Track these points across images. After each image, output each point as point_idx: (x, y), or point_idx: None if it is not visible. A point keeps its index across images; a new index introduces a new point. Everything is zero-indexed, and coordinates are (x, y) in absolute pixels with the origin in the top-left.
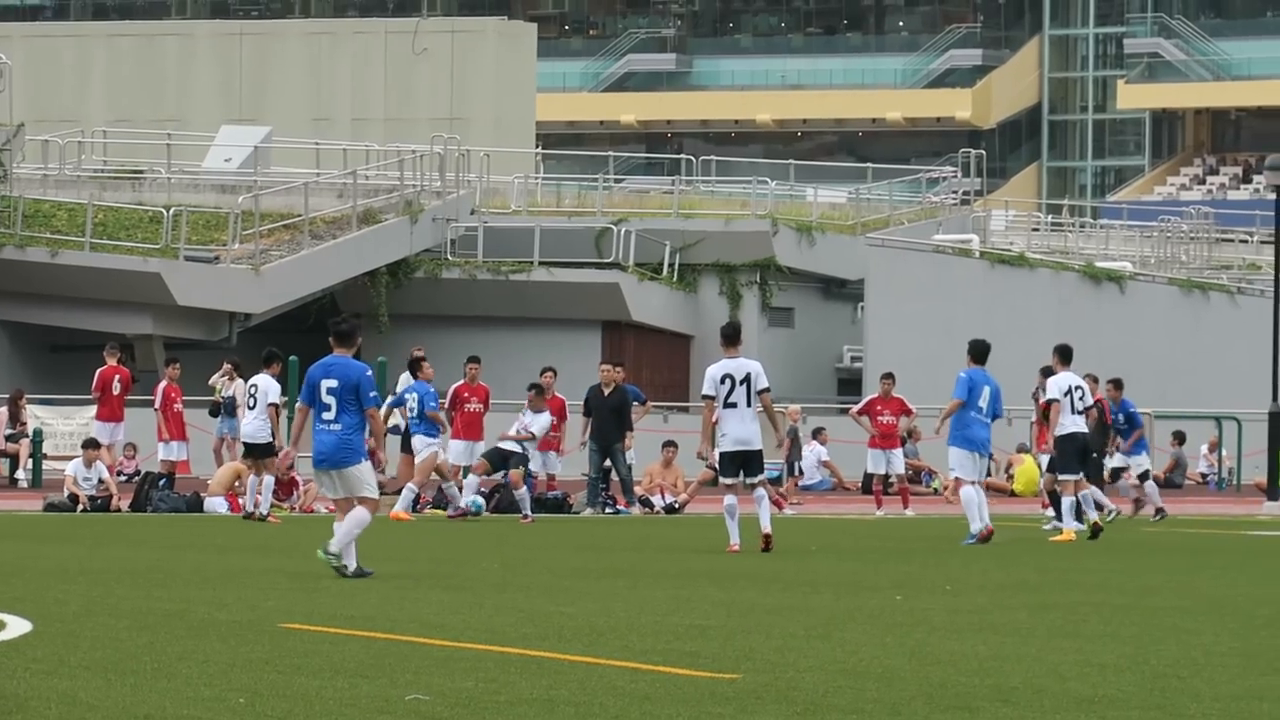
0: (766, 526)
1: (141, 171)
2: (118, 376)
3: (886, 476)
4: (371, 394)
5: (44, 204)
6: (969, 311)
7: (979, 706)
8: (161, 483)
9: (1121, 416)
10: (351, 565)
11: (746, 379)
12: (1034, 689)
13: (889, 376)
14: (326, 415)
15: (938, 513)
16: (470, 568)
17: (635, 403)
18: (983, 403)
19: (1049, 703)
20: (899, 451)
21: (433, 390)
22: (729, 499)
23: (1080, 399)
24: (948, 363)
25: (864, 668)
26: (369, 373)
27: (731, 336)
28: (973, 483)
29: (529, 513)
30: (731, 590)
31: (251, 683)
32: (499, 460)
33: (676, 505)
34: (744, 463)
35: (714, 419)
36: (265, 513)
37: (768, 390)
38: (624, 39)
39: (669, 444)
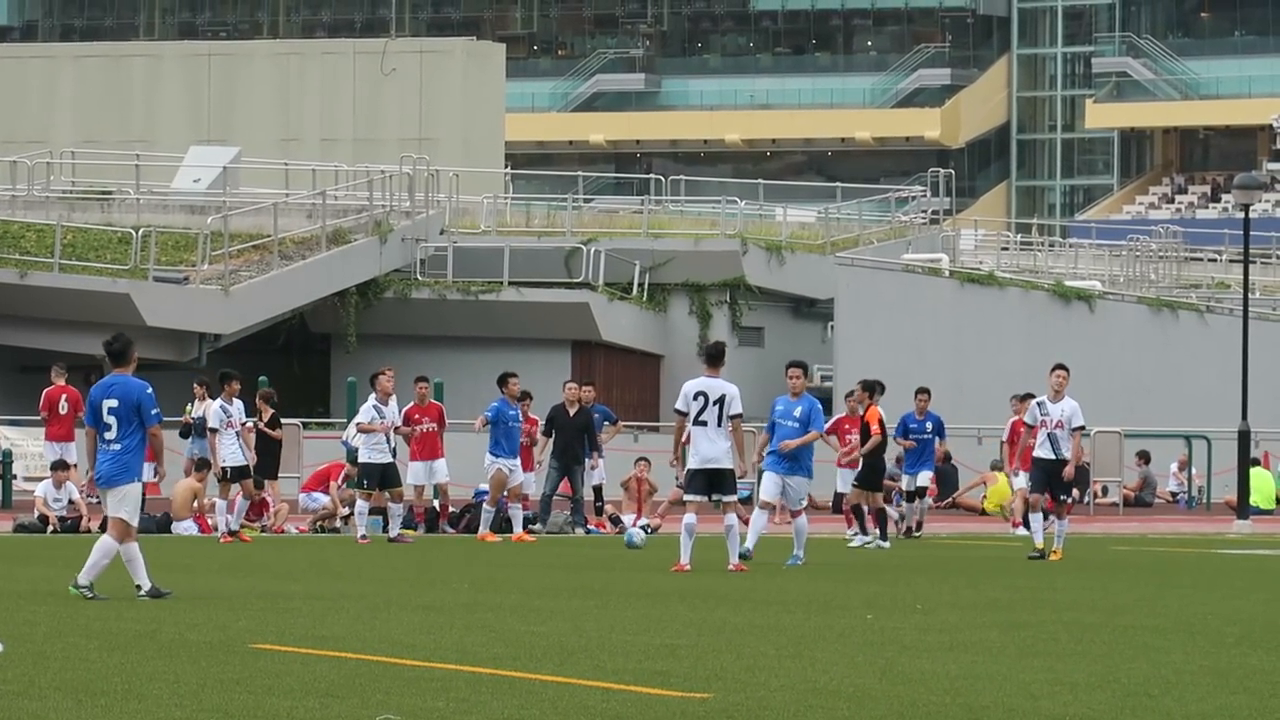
0: (734, 557)
1: (110, 192)
2: (64, 395)
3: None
4: (153, 411)
5: (12, 225)
6: (938, 330)
7: None
8: None
9: (929, 425)
10: (145, 585)
11: (720, 400)
12: (1005, 708)
13: (853, 394)
14: (108, 435)
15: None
16: (441, 588)
17: (607, 423)
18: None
19: None
20: None
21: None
22: (689, 517)
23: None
24: (918, 381)
25: (835, 687)
26: (149, 390)
27: (714, 357)
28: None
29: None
30: (702, 609)
31: (223, 703)
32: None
33: (649, 527)
34: (712, 482)
35: (684, 436)
36: (235, 529)
37: (739, 416)
38: (593, 59)
39: (642, 459)
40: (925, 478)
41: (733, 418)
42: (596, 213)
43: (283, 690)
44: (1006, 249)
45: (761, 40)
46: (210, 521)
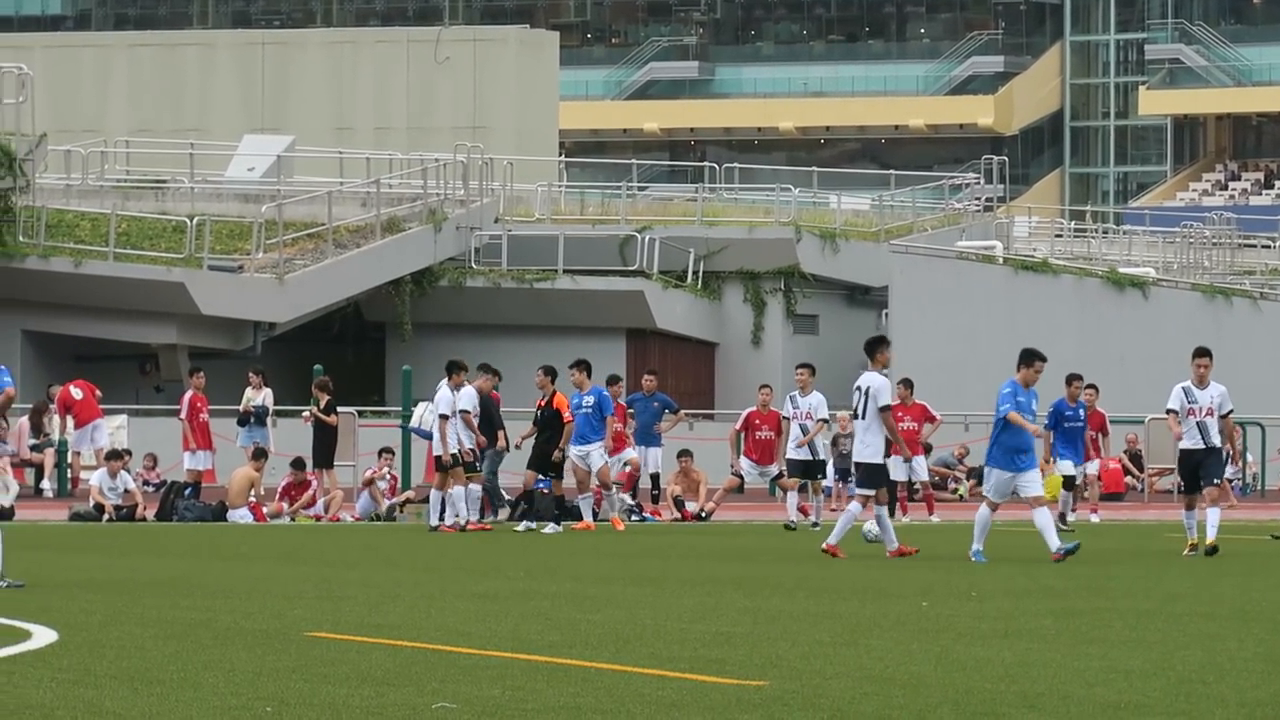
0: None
1: (164, 181)
2: (72, 387)
3: (910, 483)
4: (4, 379)
5: (67, 214)
6: (992, 318)
7: (1005, 713)
8: (187, 492)
9: (1082, 413)
10: None
11: (866, 392)
12: (1060, 695)
13: (905, 383)
14: None
15: (963, 519)
16: (496, 576)
17: (668, 411)
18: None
19: (1075, 709)
20: (921, 458)
21: (607, 395)
22: (854, 505)
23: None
24: (971, 369)
25: (890, 674)
26: (3, 367)
27: (867, 349)
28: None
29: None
30: (758, 597)
31: (278, 691)
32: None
33: (703, 514)
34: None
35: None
36: (464, 523)
37: (885, 408)
38: (646, 47)
39: (684, 453)
40: (1067, 466)
41: (880, 409)
42: (650, 201)
43: (338, 678)
44: (1060, 236)
45: (815, 28)
46: (266, 510)
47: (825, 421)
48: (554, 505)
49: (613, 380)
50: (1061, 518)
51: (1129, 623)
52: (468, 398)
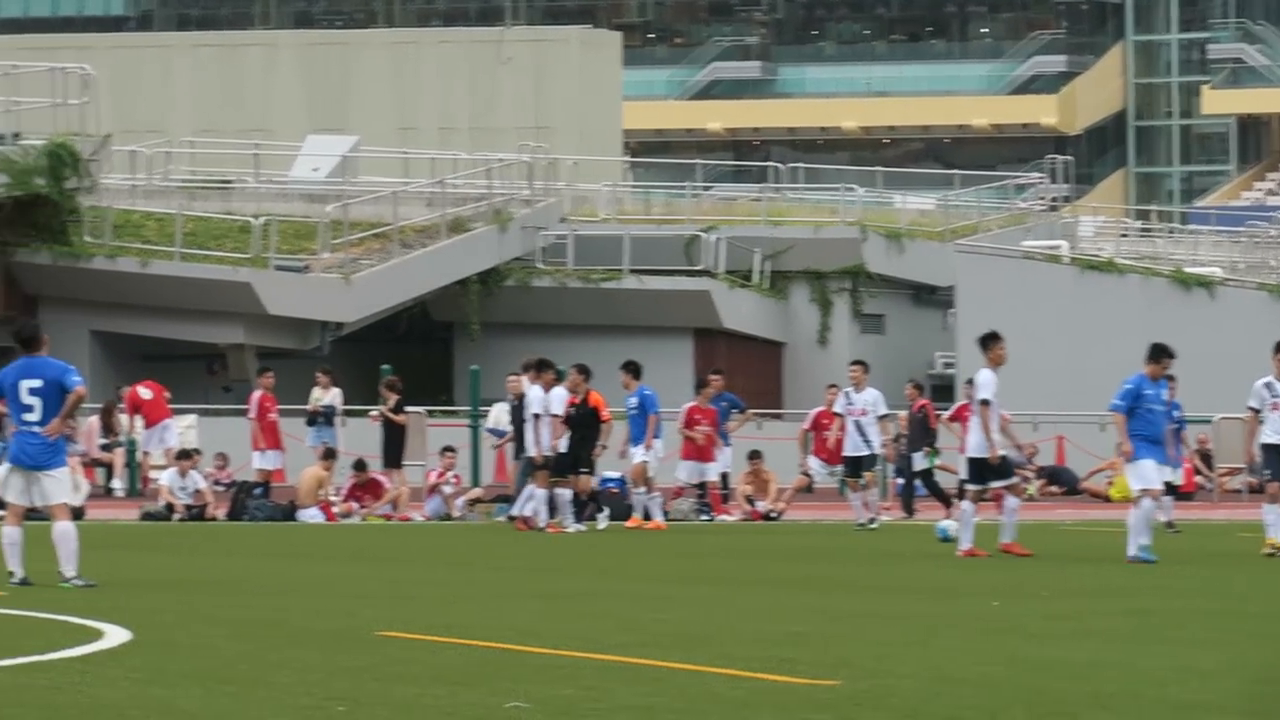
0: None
1: (230, 181)
2: (140, 387)
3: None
4: (74, 379)
5: (133, 214)
6: (1058, 317)
7: (1076, 713)
8: (257, 491)
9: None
10: (19, 573)
11: (975, 387)
12: (1131, 695)
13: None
14: (29, 417)
15: (1033, 519)
16: (566, 575)
17: (735, 411)
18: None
19: (1146, 709)
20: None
21: (651, 394)
22: (967, 504)
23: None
24: (1037, 368)
25: (961, 674)
26: (71, 368)
27: (979, 344)
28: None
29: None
30: (828, 597)
31: (350, 691)
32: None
33: (774, 514)
34: (984, 470)
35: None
36: (543, 524)
37: (985, 402)
38: (709, 47)
39: (755, 454)
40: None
41: (980, 404)
42: (715, 200)
43: (410, 678)
44: (1125, 236)
45: (877, 27)
46: (335, 510)
47: (885, 417)
48: (586, 502)
49: (715, 372)
50: (1169, 524)
51: (1200, 622)
52: (559, 400)
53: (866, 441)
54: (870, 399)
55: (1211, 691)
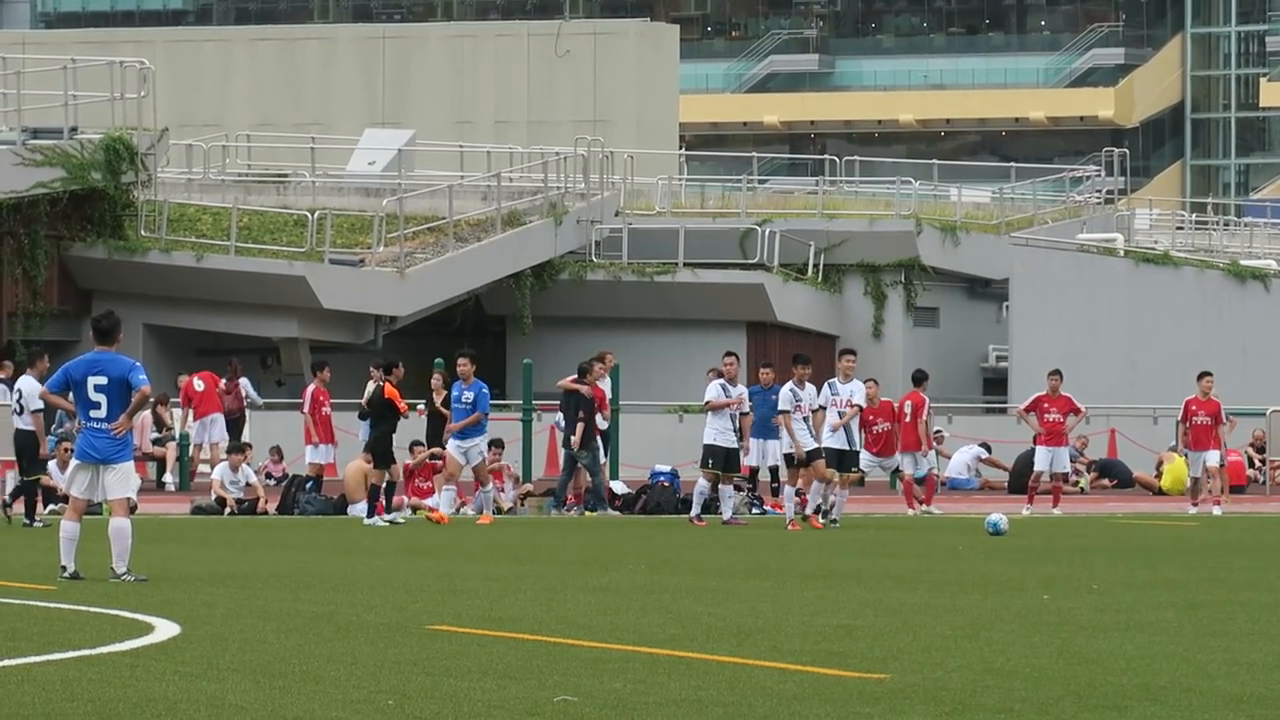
0: None
1: (285, 175)
2: (195, 379)
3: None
4: (140, 377)
5: (188, 208)
6: (1114, 310)
7: (1127, 705)
8: (309, 485)
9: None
10: (71, 567)
11: None
12: (1182, 688)
13: (1056, 373)
14: (96, 414)
15: (1084, 512)
16: (616, 569)
17: None
18: None
19: (1197, 701)
20: (1064, 450)
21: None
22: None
23: None
24: (1092, 361)
25: (1012, 667)
26: (138, 365)
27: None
28: None
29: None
30: (878, 590)
31: (400, 684)
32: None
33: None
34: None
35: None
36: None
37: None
38: (766, 40)
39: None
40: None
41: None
42: (771, 194)
43: (460, 671)
44: (1181, 228)
45: (935, 20)
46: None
47: (860, 407)
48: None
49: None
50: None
51: (1251, 615)
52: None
53: (849, 436)
54: (854, 389)
55: (1262, 684)
